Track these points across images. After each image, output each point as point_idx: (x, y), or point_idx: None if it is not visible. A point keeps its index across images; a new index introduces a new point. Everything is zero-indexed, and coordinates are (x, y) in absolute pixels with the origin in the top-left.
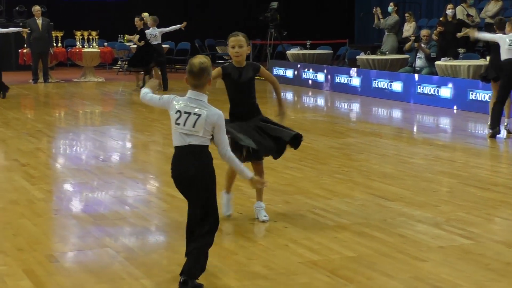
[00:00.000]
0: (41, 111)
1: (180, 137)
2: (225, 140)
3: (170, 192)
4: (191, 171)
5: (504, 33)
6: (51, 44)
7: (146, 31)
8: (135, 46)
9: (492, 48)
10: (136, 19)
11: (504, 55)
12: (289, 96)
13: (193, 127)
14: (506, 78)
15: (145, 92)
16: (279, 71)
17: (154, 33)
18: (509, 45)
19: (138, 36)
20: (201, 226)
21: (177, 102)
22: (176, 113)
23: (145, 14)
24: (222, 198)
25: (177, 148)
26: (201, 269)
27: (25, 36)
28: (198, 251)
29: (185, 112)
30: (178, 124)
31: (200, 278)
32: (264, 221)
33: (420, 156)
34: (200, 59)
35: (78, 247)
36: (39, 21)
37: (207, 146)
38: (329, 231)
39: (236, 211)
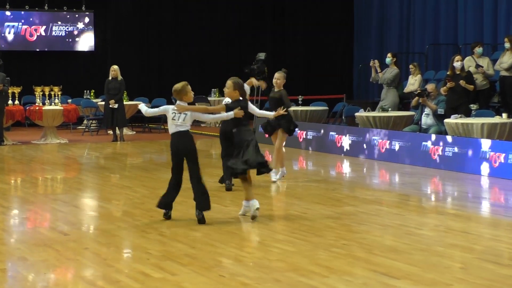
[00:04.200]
0: None
1: (175, 127)
2: (206, 116)
3: (143, 270)
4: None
5: None
6: (6, 101)
7: None
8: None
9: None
10: None
11: None
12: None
13: (183, 120)
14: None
15: (144, 108)
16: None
17: None
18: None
19: None
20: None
21: (172, 109)
22: (172, 113)
23: (115, 67)
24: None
25: (173, 134)
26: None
27: None
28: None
29: (178, 113)
30: (174, 119)
31: None
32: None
33: (429, 227)
34: (180, 83)
35: None
36: None
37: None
38: None
39: None
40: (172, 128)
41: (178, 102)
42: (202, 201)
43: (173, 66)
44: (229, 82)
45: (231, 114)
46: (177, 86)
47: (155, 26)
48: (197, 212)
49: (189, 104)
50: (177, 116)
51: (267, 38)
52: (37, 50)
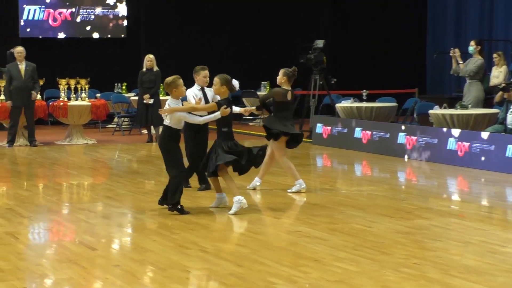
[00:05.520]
0: (14, 183)
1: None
2: (192, 118)
3: None
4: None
5: None
6: (36, 89)
7: None
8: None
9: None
10: None
11: None
12: (338, 162)
13: (165, 116)
14: None
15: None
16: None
17: None
18: None
19: None
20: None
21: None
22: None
23: (150, 56)
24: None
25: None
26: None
27: None
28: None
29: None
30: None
31: None
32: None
33: None
34: (172, 76)
35: None
36: (22, 66)
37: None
38: None
39: None
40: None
41: (169, 97)
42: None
43: (217, 55)
44: (215, 79)
45: (217, 114)
46: (168, 79)
47: (195, 9)
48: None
49: (182, 100)
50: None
51: (326, 23)
52: (62, 37)
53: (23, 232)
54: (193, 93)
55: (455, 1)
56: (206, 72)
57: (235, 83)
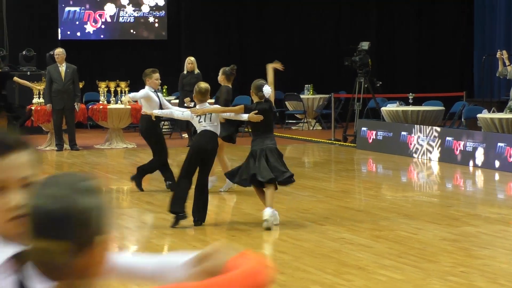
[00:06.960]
0: None
1: (203, 127)
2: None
3: None
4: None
5: None
6: (77, 98)
7: None
8: None
9: None
10: None
11: None
12: (383, 167)
13: (210, 120)
14: None
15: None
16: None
17: None
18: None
19: None
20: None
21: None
22: (197, 117)
23: (191, 59)
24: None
25: (200, 132)
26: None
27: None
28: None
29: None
30: (201, 122)
31: None
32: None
33: None
34: (205, 84)
35: None
36: (62, 68)
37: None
38: None
39: None
40: (199, 128)
41: (197, 105)
42: (201, 214)
43: (259, 58)
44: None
45: (244, 116)
46: (202, 87)
47: (237, 11)
48: (195, 220)
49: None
50: (204, 118)
51: (372, 25)
52: (102, 39)
53: None
54: (152, 94)
55: (505, 0)
56: (157, 75)
57: (266, 90)
